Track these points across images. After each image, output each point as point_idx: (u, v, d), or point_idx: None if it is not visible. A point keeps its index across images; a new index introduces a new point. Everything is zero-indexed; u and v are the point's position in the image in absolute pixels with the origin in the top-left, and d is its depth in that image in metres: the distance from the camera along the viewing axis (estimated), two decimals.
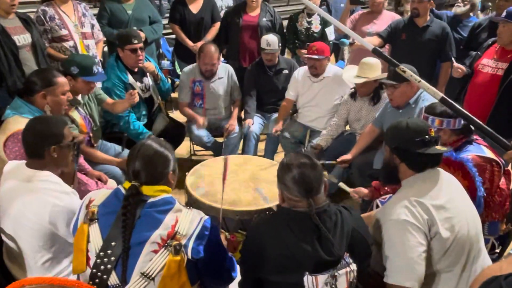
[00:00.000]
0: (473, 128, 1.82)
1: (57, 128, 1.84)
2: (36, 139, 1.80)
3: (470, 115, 1.78)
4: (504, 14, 2.88)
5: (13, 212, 1.72)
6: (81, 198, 1.68)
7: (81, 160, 2.61)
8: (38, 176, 1.77)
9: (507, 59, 2.91)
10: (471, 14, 4.11)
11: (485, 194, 2.03)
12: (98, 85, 3.52)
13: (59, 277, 1.74)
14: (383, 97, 3.18)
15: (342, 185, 2.61)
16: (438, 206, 1.67)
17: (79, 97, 2.80)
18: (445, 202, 1.69)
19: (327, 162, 3.09)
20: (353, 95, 3.32)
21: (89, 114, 2.89)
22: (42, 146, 1.79)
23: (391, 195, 2.30)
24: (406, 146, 1.77)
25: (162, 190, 1.53)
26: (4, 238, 1.80)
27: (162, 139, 1.67)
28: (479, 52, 3.14)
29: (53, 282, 1.07)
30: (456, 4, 4.06)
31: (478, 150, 2.11)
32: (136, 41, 3.15)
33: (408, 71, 1.91)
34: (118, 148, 3.12)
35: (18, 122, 2.15)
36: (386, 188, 2.38)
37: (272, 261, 1.51)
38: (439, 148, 1.76)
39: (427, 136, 1.75)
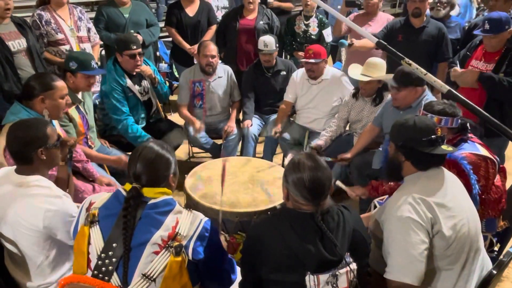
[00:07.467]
0: (481, 119, 1.81)
1: (40, 130, 1.80)
2: (20, 146, 1.76)
3: (477, 107, 1.76)
4: (486, 26, 2.86)
5: (9, 218, 1.71)
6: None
7: (89, 165, 2.60)
8: (29, 181, 1.75)
9: (494, 61, 2.96)
10: (451, 14, 4.12)
11: (480, 192, 2.04)
12: (97, 88, 3.53)
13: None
14: (385, 99, 3.19)
15: (339, 183, 2.61)
16: (441, 205, 1.68)
17: (79, 95, 2.81)
18: (447, 201, 1.70)
19: (327, 159, 3.09)
20: (355, 95, 3.32)
21: (87, 113, 2.89)
22: (29, 152, 1.76)
23: (388, 195, 2.31)
24: (412, 145, 1.76)
25: (163, 192, 1.54)
26: (5, 243, 1.79)
27: (162, 141, 1.68)
28: (468, 52, 3.17)
29: None
30: (436, 8, 4.05)
31: (472, 148, 2.11)
32: (135, 47, 3.15)
33: (413, 64, 1.92)
34: (116, 152, 3.11)
35: None
36: (384, 187, 2.39)
37: (273, 260, 1.51)
38: (445, 148, 1.75)
39: (434, 136, 1.74)
